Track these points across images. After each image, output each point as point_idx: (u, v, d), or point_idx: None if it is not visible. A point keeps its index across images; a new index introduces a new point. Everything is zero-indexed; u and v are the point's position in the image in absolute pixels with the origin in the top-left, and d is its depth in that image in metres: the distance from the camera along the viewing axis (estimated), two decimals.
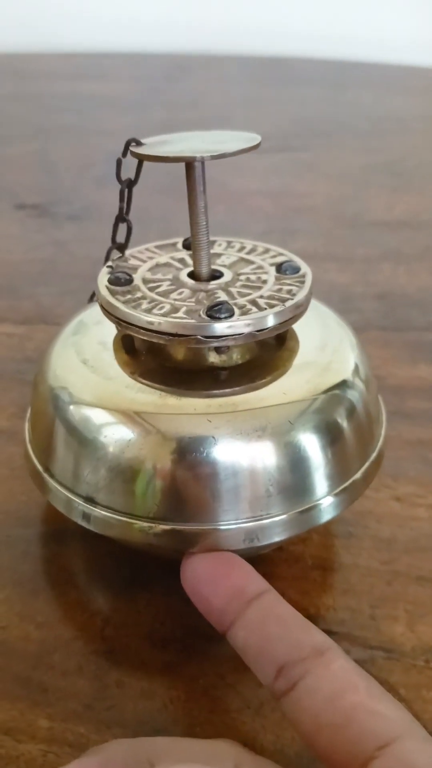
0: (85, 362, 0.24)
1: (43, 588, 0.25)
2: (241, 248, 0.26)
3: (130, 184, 0.25)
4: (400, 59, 0.65)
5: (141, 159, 0.23)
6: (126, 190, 0.25)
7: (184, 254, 0.26)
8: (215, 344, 0.22)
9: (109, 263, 0.25)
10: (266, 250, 0.26)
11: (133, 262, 0.25)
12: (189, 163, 0.23)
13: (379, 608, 0.25)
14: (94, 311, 0.26)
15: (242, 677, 0.23)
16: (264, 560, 0.26)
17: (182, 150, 0.22)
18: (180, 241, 0.27)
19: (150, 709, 0.22)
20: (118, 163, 0.24)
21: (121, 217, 0.25)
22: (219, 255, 0.26)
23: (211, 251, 0.25)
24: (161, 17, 0.71)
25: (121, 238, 0.26)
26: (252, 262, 0.25)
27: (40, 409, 0.25)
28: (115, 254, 0.26)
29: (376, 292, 0.40)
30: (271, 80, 0.66)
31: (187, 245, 0.26)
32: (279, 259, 0.25)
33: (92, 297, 0.28)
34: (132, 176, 0.25)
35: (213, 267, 0.25)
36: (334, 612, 0.25)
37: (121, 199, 0.25)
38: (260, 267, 0.25)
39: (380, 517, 0.28)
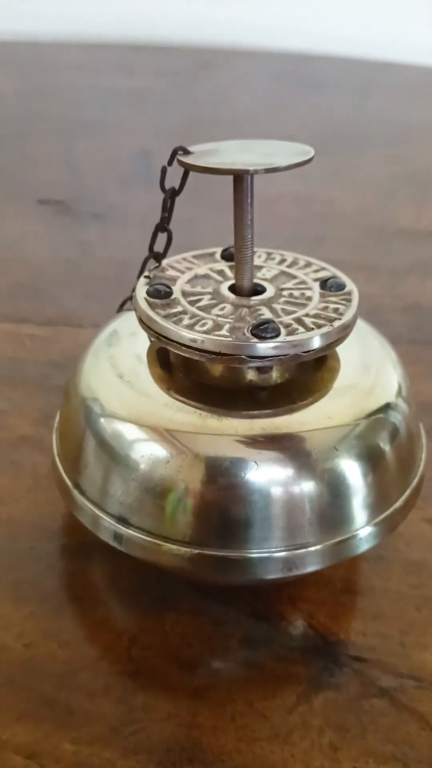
0: (121, 376, 0.24)
1: (68, 604, 0.25)
2: (282, 261, 0.26)
3: (173, 193, 0.24)
4: (428, 62, 0.64)
5: (189, 169, 0.22)
6: (169, 200, 0.24)
7: (223, 265, 0.25)
8: (259, 365, 0.21)
9: (147, 273, 0.25)
10: (308, 264, 0.25)
11: (170, 272, 0.25)
12: (238, 177, 0.22)
13: (409, 635, 0.24)
14: (127, 321, 0.26)
15: (271, 704, 0.22)
16: (293, 582, 0.26)
17: (232, 162, 0.22)
18: (218, 251, 0.26)
19: (177, 735, 0.22)
20: (163, 171, 0.23)
21: (162, 227, 0.25)
22: (259, 267, 0.25)
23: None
24: (188, 9, 0.70)
25: (158, 246, 0.25)
26: (294, 277, 0.25)
27: (71, 421, 0.24)
28: (151, 263, 0.25)
29: (404, 304, 0.40)
30: (296, 79, 0.65)
31: (225, 256, 0.26)
32: (322, 275, 0.25)
33: (123, 305, 0.27)
34: (164, 181, 0.24)
35: (254, 281, 0.24)
36: (364, 638, 0.24)
37: (164, 209, 0.24)
38: (303, 282, 0.24)
39: (410, 540, 0.27)
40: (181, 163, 0.22)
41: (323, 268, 0.25)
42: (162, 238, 0.25)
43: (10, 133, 0.57)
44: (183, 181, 0.24)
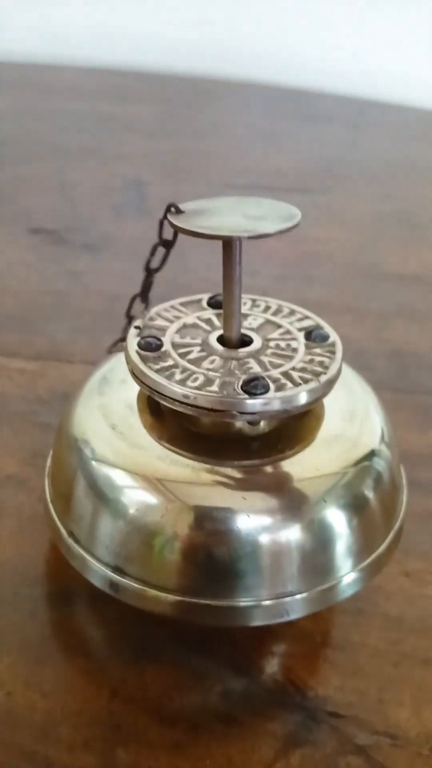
0: (113, 427, 0.24)
1: (50, 654, 0.25)
2: (267, 308, 0.26)
3: (167, 244, 0.25)
4: (421, 103, 0.65)
5: (179, 231, 0.23)
6: (160, 248, 0.25)
7: (210, 314, 0.26)
8: (249, 419, 0.22)
9: (137, 323, 0.25)
10: (292, 312, 0.26)
11: (159, 322, 0.25)
12: (227, 241, 0.23)
13: (386, 691, 0.25)
14: (116, 365, 0.26)
15: (249, 759, 0.23)
16: (273, 636, 0.26)
17: (221, 227, 0.22)
18: (204, 298, 0.27)
19: None
20: (160, 224, 0.24)
21: (148, 270, 0.25)
22: (245, 316, 0.26)
23: None
24: (185, 38, 0.71)
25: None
26: (279, 326, 0.25)
27: (63, 470, 0.24)
28: (137, 304, 0.26)
29: (389, 349, 0.40)
30: (291, 114, 0.66)
31: (212, 303, 0.26)
32: (306, 324, 0.25)
33: (114, 346, 0.28)
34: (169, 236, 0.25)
35: (241, 331, 0.24)
36: (342, 694, 0.25)
37: (151, 254, 0.25)
38: (288, 332, 0.25)
39: (389, 594, 0.28)
40: (171, 224, 0.23)
41: (307, 317, 0.26)
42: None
43: (5, 153, 0.58)
44: (175, 236, 0.24)
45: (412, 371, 0.39)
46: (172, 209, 0.23)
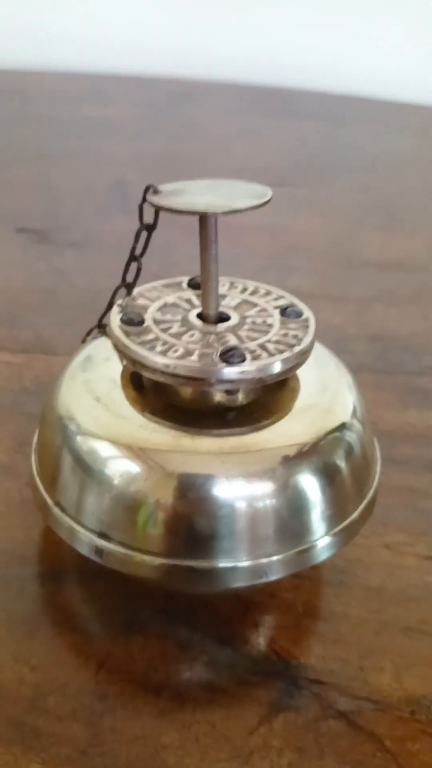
0: (97, 399, 0.25)
1: (38, 629, 0.25)
2: (244, 289, 0.27)
3: (149, 228, 0.26)
4: (397, 96, 0.66)
5: (158, 208, 0.24)
6: (143, 233, 0.26)
7: (191, 294, 0.27)
8: (227, 387, 0.23)
9: (120, 302, 0.26)
10: (268, 292, 0.27)
11: (141, 301, 0.26)
12: (203, 217, 0.24)
13: (367, 658, 0.25)
14: (100, 347, 0.27)
15: (233, 726, 0.23)
16: (257, 607, 0.27)
17: (197, 203, 0.23)
18: (185, 280, 0.28)
19: (142, 756, 0.22)
20: (140, 208, 0.25)
21: (133, 257, 0.26)
22: (223, 296, 0.27)
23: None
24: (166, 41, 0.72)
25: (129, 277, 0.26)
26: (256, 305, 0.26)
27: (49, 444, 0.25)
28: (121, 292, 0.27)
29: (369, 333, 0.41)
30: (270, 111, 0.67)
31: (192, 284, 0.27)
32: (282, 302, 0.26)
33: (89, 334, 0.29)
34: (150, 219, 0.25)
35: (220, 309, 0.26)
36: (324, 662, 0.25)
37: (136, 240, 0.26)
38: (264, 310, 0.26)
39: (370, 566, 0.28)
40: (150, 202, 0.24)
41: (282, 297, 0.27)
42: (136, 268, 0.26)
43: None
44: (156, 218, 0.25)
45: (392, 353, 0.40)
46: (151, 190, 0.24)
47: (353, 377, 0.28)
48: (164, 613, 0.26)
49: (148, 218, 0.26)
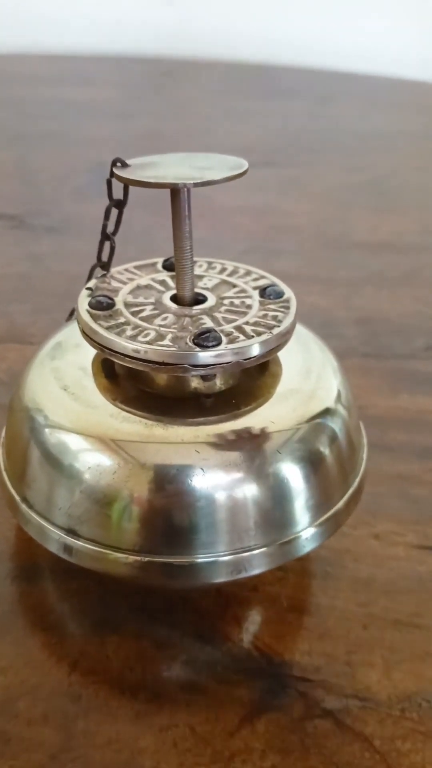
0: (65, 388, 0.24)
1: (9, 629, 0.24)
2: (222, 270, 0.26)
3: (119, 204, 0.25)
4: (387, 72, 0.65)
5: (124, 182, 0.22)
6: (114, 210, 0.25)
7: (165, 275, 0.25)
8: (202, 373, 0.22)
9: (89, 285, 0.25)
10: (248, 273, 0.26)
11: (113, 284, 0.25)
12: (174, 190, 0.22)
13: (355, 654, 0.24)
14: (72, 332, 0.26)
15: (213, 728, 0.22)
16: (239, 601, 0.25)
17: (167, 175, 0.22)
18: (160, 261, 0.26)
19: (117, 761, 0.21)
20: (108, 183, 0.24)
21: (105, 235, 0.25)
22: (201, 277, 0.25)
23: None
24: (148, 20, 0.70)
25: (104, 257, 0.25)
26: (234, 285, 0.25)
27: (16, 435, 0.24)
28: (98, 272, 0.25)
29: (358, 317, 0.40)
30: (256, 90, 0.65)
31: (167, 266, 0.26)
32: (261, 283, 0.25)
33: (71, 314, 0.27)
34: (120, 195, 0.24)
35: (195, 290, 0.24)
36: (310, 658, 0.24)
37: (106, 217, 0.25)
38: (243, 291, 0.25)
39: (358, 557, 0.27)
40: (117, 176, 0.22)
41: (262, 277, 0.25)
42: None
43: None
44: (125, 193, 0.24)
45: (382, 337, 0.39)
46: (118, 164, 0.23)
47: (338, 361, 0.26)
48: (141, 610, 0.25)
49: (118, 194, 0.24)
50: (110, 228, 0.25)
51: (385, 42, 0.67)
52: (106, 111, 0.60)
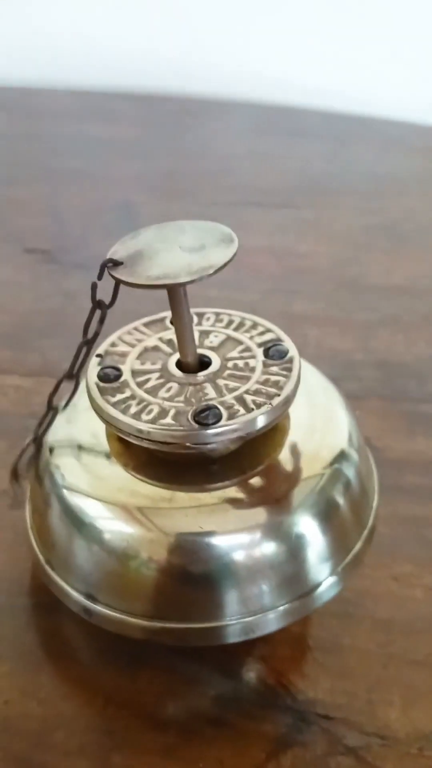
0: (81, 456, 0.25)
1: (45, 662, 0.25)
2: (230, 323, 0.26)
3: (102, 306, 0.23)
4: (402, 116, 0.67)
5: (123, 284, 0.22)
6: (99, 312, 0.24)
7: (172, 334, 0.25)
8: (203, 450, 0.22)
9: (99, 352, 0.25)
10: (254, 325, 0.26)
11: (122, 347, 0.25)
12: (171, 288, 0.22)
13: (375, 692, 0.25)
14: (84, 395, 0.26)
15: (240, 762, 0.23)
16: (265, 640, 0.26)
17: (164, 273, 0.21)
18: (168, 316, 0.26)
19: None
20: (93, 287, 0.23)
21: (85, 341, 0.24)
22: (207, 333, 0.26)
23: (200, 327, 0.26)
24: (172, 60, 0.72)
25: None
26: (240, 342, 0.25)
27: (40, 504, 0.25)
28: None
29: (375, 359, 0.41)
30: (276, 130, 0.67)
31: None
32: (266, 338, 0.25)
33: (23, 452, 0.27)
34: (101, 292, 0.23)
35: (201, 350, 0.25)
36: (332, 696, 0.25)
37: (88, 322, 0.24)
38: (248, 349, 0.25)
39: (378, 598, 0.28)
40: (115, 279, 0.22)
41: (268, 330, 0.25)
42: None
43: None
44: (115, 293, 0.23)
45: (399, 380, 0.40)
46: (110, 263, 0.22)
47: (348, 404, 0.27)
48: (171, 647, 0.26)
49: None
50: (89, 333, 0.24)
51: (403, 87, 0.69)
52: (130, 149, 0.62)
